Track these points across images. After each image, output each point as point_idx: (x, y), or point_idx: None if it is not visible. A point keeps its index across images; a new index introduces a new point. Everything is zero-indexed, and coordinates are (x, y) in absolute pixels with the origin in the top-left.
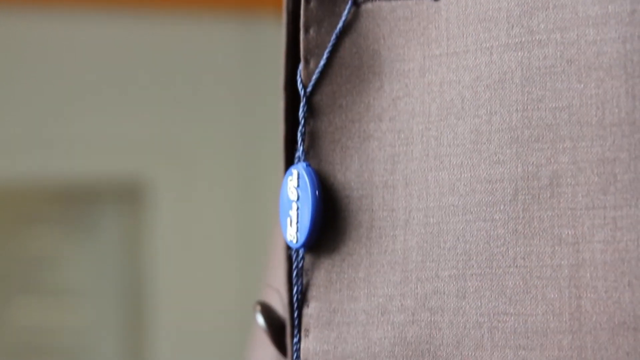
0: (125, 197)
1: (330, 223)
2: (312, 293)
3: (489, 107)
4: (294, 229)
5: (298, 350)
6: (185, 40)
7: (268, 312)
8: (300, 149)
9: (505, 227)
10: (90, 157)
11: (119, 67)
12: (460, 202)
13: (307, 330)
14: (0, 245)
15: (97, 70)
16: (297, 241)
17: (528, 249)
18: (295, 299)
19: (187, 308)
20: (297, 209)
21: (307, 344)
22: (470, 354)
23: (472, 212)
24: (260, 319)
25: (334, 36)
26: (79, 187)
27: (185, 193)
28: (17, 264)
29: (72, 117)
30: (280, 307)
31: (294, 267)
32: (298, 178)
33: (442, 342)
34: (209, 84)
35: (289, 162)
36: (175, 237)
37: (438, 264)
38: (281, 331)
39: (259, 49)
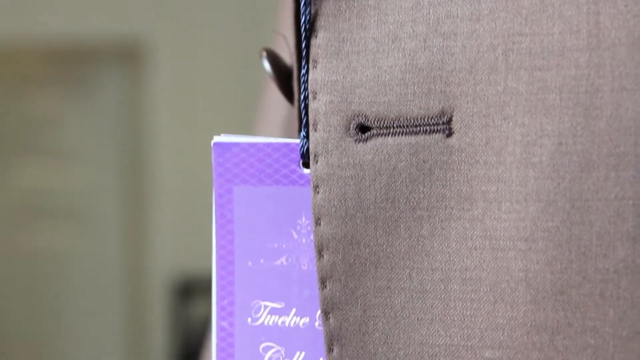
0: (125, 57)
1: None
2: (321, 22)
3: None
4: None
5: (306, 82)
6: None
7: (274, 58)
8: None
9: None
10: (90, 17)
11: None
12: None
13: (315, 61)
14: None
15: None
16: None
17: None
18: (303, 29)
19: (187, 168)
20: None
21: (315, 75)
22: (483, 78)
23: None
24: (266, 65)
25: None
26: (79, 48)
27: (185, 52)
28: (17, 126)
29: None
30: (287, 53)
31: None
32: None
33: (455, 67)
34: None
35: None
36: (175, 97)
37: None
38: (287, 77)
39: None
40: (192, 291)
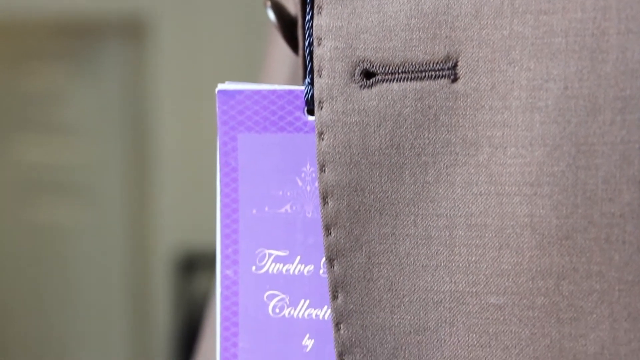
0: (129, 31)
1: None
2: None
3: None
4: None
5: (310, 28)
6: None
7: (278, 7)
8: None
9: None
10: None
11: None
12: None
13: (320, 7)
14: (1, 81)
15: None
16: None
17: None
18: None
19: (191, 143)
20: None
21: (320, 21)
22: (489, 22)
23: None
24: (270, 14)
25: None
26: (82, 22)
27: (189, 26)
28: (20, 101)
29: None
30: (291, 4)
31: None
32: None
33: (460, 11)
34: None
35: None
36: (179, 72)
37: None
38: (292, 26)
39: None
40: (195, 266)
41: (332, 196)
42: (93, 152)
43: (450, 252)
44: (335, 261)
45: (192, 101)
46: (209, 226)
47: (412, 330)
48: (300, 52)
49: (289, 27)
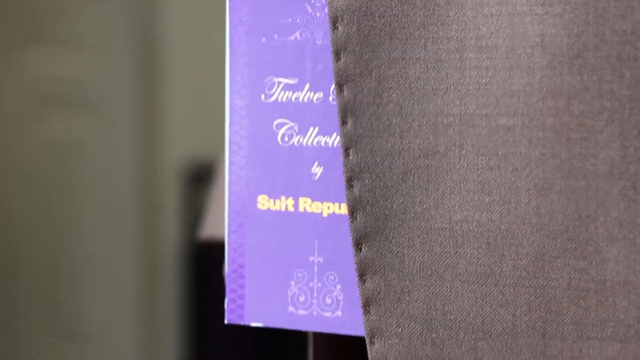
0: None
1: None
2: None
3: None
4: None
5: None
6: None
7: None
8: None
9: None
10: None
11: None
12: None
13: None
14: None
15: None
16: None
17: None
18: None
19: (200, 56)
20: None
21: None
22: None
23: None
24: None
25: None
26: None
27: None
28: (28, 14)
29: None
30: None
31: None
32: None
33: None
34: None
35: None
36: None
37: None
38: None
39: None
40: (205, 178)
41: (342, 21)
42: (103, 65)
43: (460, 74)
44: (344, 86)
45: (202, 12)
46: (218, 139)
47: (421, 155)
48: None
49: None
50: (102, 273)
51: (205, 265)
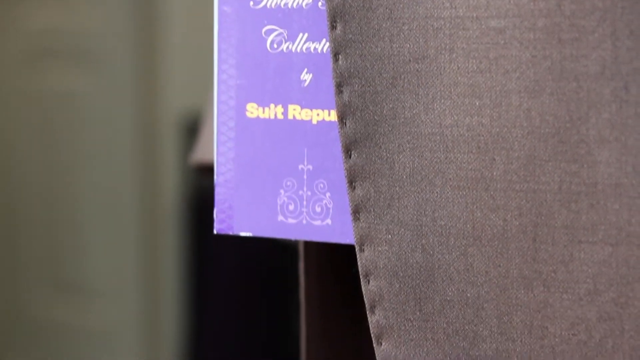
0: None
1: None
2: None
3: None
4: None
5: None
6: None
7: None
8: None
9: None
10: None
11: None
12: None
13: None
14: None
15: None
16: None
17: None
18: None
19: (199, 7)
20: None
21: None
22: None
23: None
24: None
25: None
26: None
27: None
28: None
29: None
30: None
31: None
32: None
33: None
34: None
35: None
36: None
37: None
38: None
39: None
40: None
41: None
42: (100, 16)
43: None
44: None
45: None
46: None
47: (411, 59)
48: None
49: None
50: (103, 223)
51: (205, 213)
